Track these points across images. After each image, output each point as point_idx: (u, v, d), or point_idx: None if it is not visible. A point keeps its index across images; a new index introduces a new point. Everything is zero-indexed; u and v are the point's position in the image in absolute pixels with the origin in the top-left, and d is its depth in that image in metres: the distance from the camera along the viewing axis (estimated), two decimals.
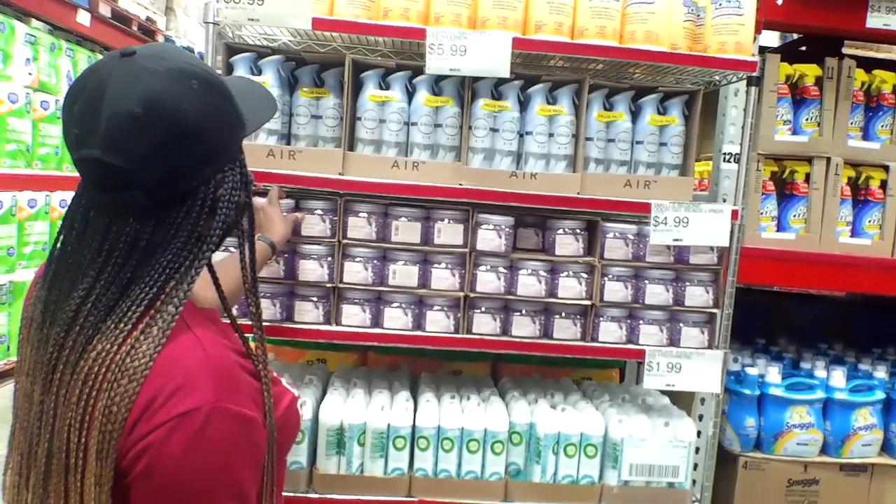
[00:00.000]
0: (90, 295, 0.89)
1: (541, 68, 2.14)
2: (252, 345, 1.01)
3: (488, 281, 1.95)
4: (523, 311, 1.98)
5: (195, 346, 0.89)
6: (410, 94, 1.95)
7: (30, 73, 2.85)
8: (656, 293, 1.99)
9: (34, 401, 0.90)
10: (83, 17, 3.15)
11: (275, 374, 1.09)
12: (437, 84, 1.95)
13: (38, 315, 0.92)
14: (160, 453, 0.83)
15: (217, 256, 1.28)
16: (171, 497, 0.84)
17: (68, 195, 2.81)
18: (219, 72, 1.91)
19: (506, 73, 1.82)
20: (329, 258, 1.93)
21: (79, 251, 0.91)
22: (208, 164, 0.92)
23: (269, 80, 1.90)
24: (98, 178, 0.88)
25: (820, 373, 2.23)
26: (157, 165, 0.88)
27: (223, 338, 0.97)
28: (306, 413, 1.91)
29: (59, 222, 0.95)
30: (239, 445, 0.88)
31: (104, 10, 3.26)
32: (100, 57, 3.25)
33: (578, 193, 1.93)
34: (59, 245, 0.94)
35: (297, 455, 1.91)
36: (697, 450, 2.10)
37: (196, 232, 0.92)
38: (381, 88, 1.94)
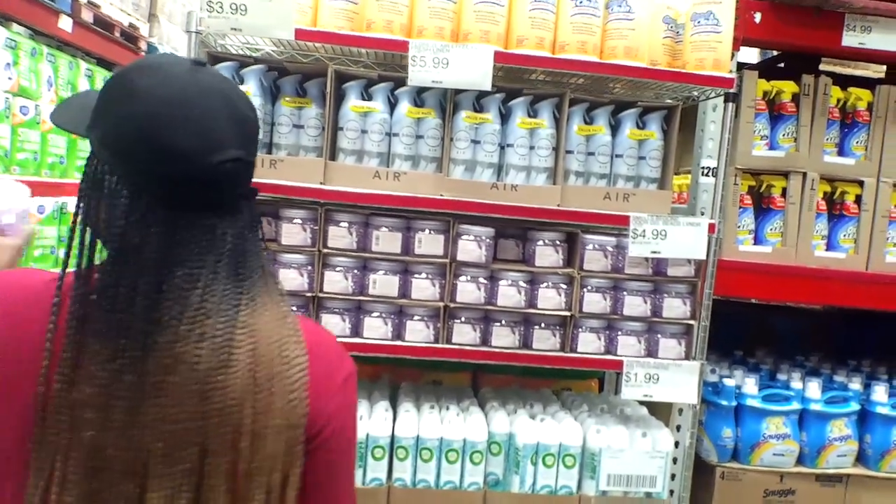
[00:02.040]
0: (210, 293, 0.90)
1: (522, 82, 2.16)
2: None
3: (468, 291, 1.96)
4: (503, 322, 1.99)
5: (313, 324, 1.06)
6: (392, 105, 1.97)
7: (9, 78, 2.82)
8: (634, 304, 2.01)
9: (124, 426, 0.86)
10: (65, 23, 3.12)
11: None
12: (420, 95, 1.97)
13: (103, 342, 0.87)
14: (341, 417, 0.98)
15: None
16: (351, 449, 1.03)
17: (46, 200, 2.77)
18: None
19: (487, 86, 1.84)
20: (309, 267, 1.93)
21: (172, 253, 0.90)
22: None
23: (252, 89, 1.91)
24: (240, 175, 0.95)
25: (796, 384, 2.26)
26: (254, 160, 0.99)
27: None
28: None
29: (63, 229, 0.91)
30: None
31: (86, 16, 3.24)
32: (81, 62, 3.23)
33: (558, 205, 1.95)
34: (113, 261, 0.90)
35: None
36: (675, 460, 2.11)
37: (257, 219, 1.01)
38: (364, 99, 1.95)
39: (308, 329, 0.99)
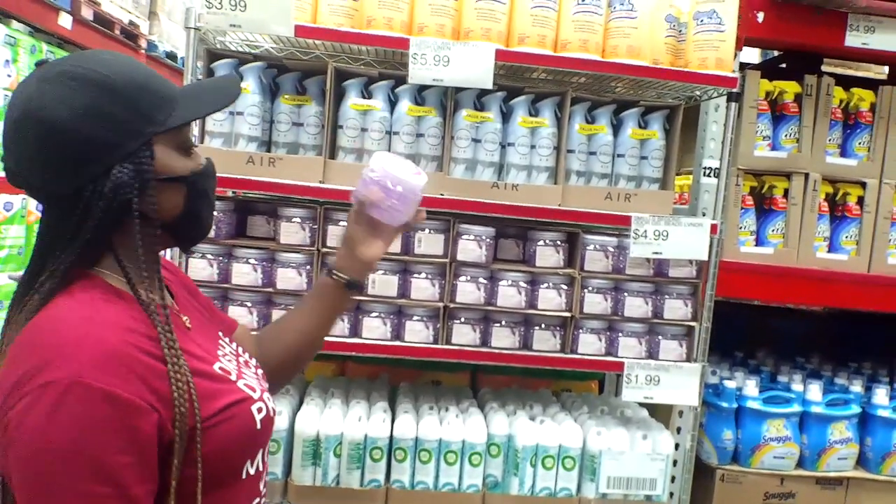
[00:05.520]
0: (18, 286, 0.98)
1: (524, 80, 2.14)
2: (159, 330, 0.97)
3: (468, 291, 1.95)
4: (503, 322, 1.98)
5: (79, 325, 0.90)
6: (393, 104, 1.95)
7: (9, 75, 2.81)
8: (635, 305, 2.00)
9: None
10: (65, 20, 3.11)
11: (231, 375, 1.06)
12: (420, 94, 1.95)
13: None
14: (20, 424, 0.85)
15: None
16: (30, 469, 0.84)
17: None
18: (180, 76, 1.86)
19: (489, 85, 1.83)
20: (308, 266, 1.91)
21: None
22: (91, 163, 0.94)
23: (251, 86, 1.89)
24: (8, 178, 0.97)
25: (797, 386, 2.25)
26: (37, 166, 0.94)
27: (138, 324, 0.95)
28: (281, 423, 1.89)
29: (37, 226, 0.99)
30: (103, 425, 0.86)
31: (86, 14, 3.23)
32: None
33: (559, 205, 1.93)
34: None
35: (273, 466, 1.89)
36: (675, 462, 2.10)
37: (82, 227, 0.95)
38: (364, 97, 1.94)
39: (55, 331, 0.90)
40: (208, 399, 0.97)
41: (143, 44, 3.86)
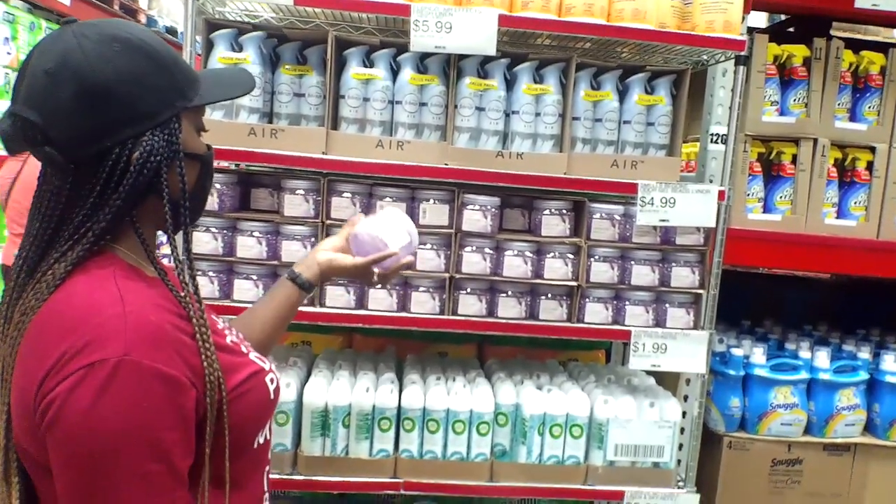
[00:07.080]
0: (23, 251, 0.95)
1: (527, 46, 2.11)
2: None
3: (474, 262, 1.94)
4: (509, 292, 1.97)
5: (114, 303, 0.88)
6: (395, 72, 1.92)
7: (8, 53, 2.79)
8: (642, 274, 1.99)
9: None
10: None
11: (242, 348, 1.08)
12: (423, 62, 1.92)
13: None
14: (65, 404, 0.82)
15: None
16: (80, 450, 0.83)
17: None
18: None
19: (492, 51, 1.80)
20: (312, 239, 1.90)
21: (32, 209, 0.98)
22: (124, 127, 0.92)
23: (250, 56, 1.87)
24: (20, 132, 0.92)
25: (804, 354, 2.24)
26: (66, 122, 0.90)
27: (163, 300, 0.95)
28: (290, 395, 1.90)
29: None
30: (156, 403, 0.85)
31: None
32: None
33: (565, 173, 1.91)
34: None
35: (282, 437, 1.90)
36: (682, 430, 2.10)
37: (108, 193, 0.93)
38: (365, 66, 1.91)
39: (91, 309, 0.88)
40: (230, 372, 0.98)
41: (143, 19, 3.82)
